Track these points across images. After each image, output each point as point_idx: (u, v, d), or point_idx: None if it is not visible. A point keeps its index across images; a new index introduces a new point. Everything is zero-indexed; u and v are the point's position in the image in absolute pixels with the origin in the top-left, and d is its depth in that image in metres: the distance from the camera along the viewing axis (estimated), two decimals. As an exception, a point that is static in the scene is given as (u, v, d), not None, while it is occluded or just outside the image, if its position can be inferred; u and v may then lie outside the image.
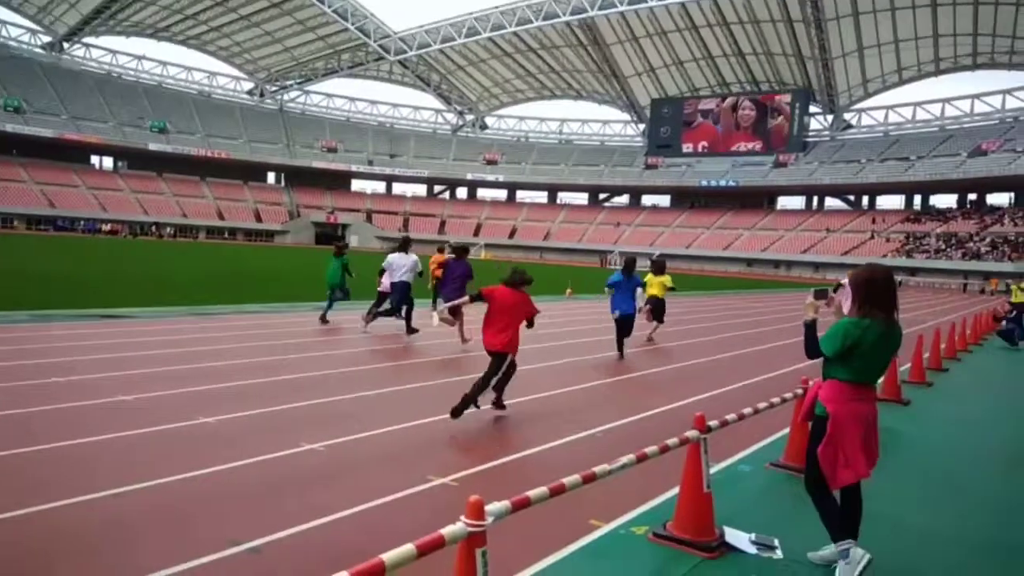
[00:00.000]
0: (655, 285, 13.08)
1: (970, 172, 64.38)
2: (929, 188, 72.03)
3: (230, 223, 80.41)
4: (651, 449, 3.59)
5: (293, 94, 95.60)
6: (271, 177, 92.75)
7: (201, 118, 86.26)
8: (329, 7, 75.76)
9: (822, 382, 3.85)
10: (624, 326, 11.09)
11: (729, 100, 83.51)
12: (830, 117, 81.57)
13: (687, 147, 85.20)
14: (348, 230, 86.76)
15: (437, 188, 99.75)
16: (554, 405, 7.50)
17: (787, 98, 79.88)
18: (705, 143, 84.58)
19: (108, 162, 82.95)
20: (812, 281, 45.85)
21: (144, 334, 10.44)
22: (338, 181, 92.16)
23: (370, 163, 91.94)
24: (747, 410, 4.73)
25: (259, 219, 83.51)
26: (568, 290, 25.12)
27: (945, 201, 73.57)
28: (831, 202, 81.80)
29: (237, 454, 5.13)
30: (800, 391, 5.49)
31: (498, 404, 6.86)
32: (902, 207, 75.99)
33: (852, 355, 3.65)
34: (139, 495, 4.29)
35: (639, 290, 11.74)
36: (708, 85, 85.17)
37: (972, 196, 71.11)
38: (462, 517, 2.41)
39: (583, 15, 72.93)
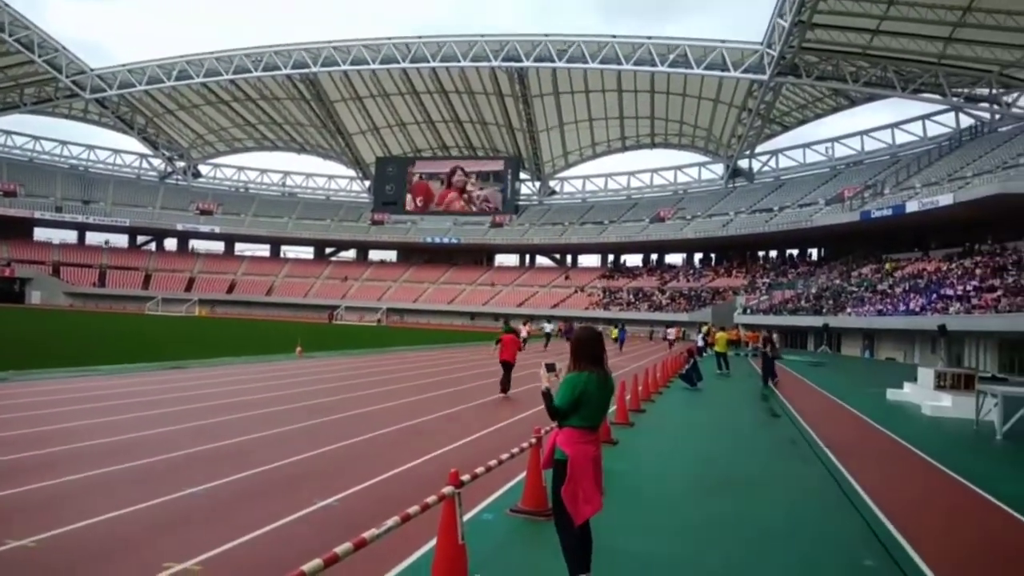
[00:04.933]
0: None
1: (652, 236, 74.78)
2: (620, 249, 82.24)
3: None
4: (413, 509, 3.76)
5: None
6: (-73, 224, 77.32)
7: None
8: (11, 36, 65.62)
9: (559, 430, 4.38)
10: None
11: (449, 163, 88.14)
12: (538, 183, 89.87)
13: (411, 205, 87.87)
14: (28, 285, 75.10)
15: (141, 239, 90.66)
16: (300, 469, 7.29)
17: (500, 164, 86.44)
18: (428, 202, 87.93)
19: None
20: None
21: None
22: (17, 229, 79.39)
23: (58, 209, 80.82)
24: (492, 462, 5.11)
25: (-95, 273, 68.90)
26: (298, 348, 24.30)
27: (633, 260, 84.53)
28: (542, 260, 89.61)
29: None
30: (534, 440, 6.04)
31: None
32: (599, 265, 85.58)
33: (580, 403, 4.24)
34: None
35: None
36: (430, 147, 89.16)
37: (654, 256, 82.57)
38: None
39: (305, 70, 72.33)
